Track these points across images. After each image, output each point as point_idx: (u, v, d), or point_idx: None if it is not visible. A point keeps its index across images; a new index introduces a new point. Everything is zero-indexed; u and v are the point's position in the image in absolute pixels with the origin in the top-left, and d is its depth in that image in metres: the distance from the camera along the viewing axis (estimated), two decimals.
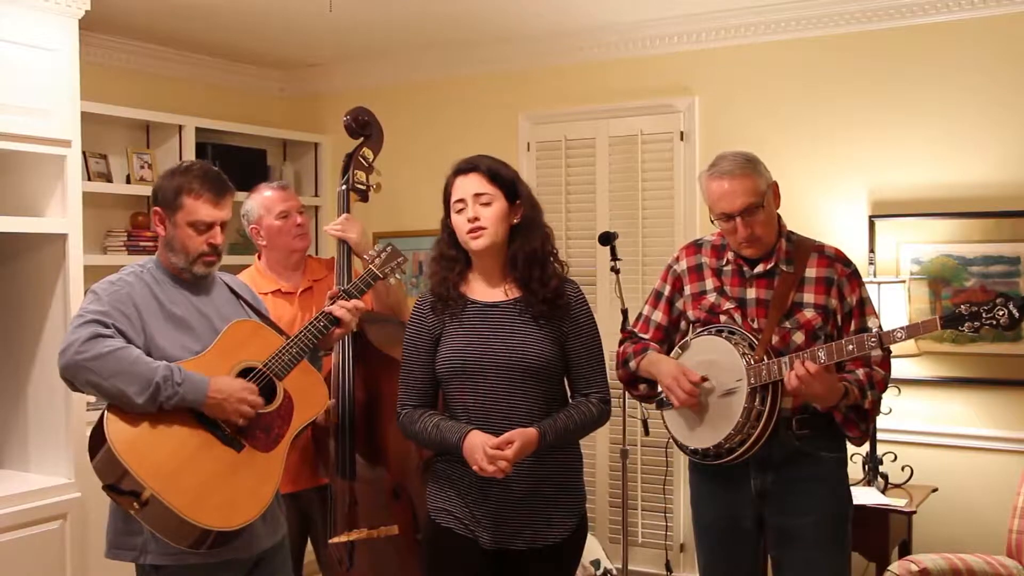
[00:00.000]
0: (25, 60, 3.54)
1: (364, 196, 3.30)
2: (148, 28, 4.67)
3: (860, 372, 2.68)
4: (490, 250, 2.59)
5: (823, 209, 4.25)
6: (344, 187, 3.25)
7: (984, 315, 2.43)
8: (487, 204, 2.56)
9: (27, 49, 3.55)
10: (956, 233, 4.02)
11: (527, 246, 2.59)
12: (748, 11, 4.34)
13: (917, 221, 4.10)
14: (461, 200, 2.58)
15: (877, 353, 2.66)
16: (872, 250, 4.16)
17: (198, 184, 2.56)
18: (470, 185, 2.58)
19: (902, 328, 2.52)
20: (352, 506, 3.08)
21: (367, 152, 3.31)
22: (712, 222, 2.79)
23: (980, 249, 3.97)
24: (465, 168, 2.61)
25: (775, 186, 2.77)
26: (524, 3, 4.32)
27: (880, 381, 2.71)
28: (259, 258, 3.37)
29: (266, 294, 3.25)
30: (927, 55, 4.09)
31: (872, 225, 4.18)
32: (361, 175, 3.28)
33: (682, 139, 4.61)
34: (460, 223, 2.58)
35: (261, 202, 3.31)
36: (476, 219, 2.55)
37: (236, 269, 3.24)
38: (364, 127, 3.30)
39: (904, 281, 4.05)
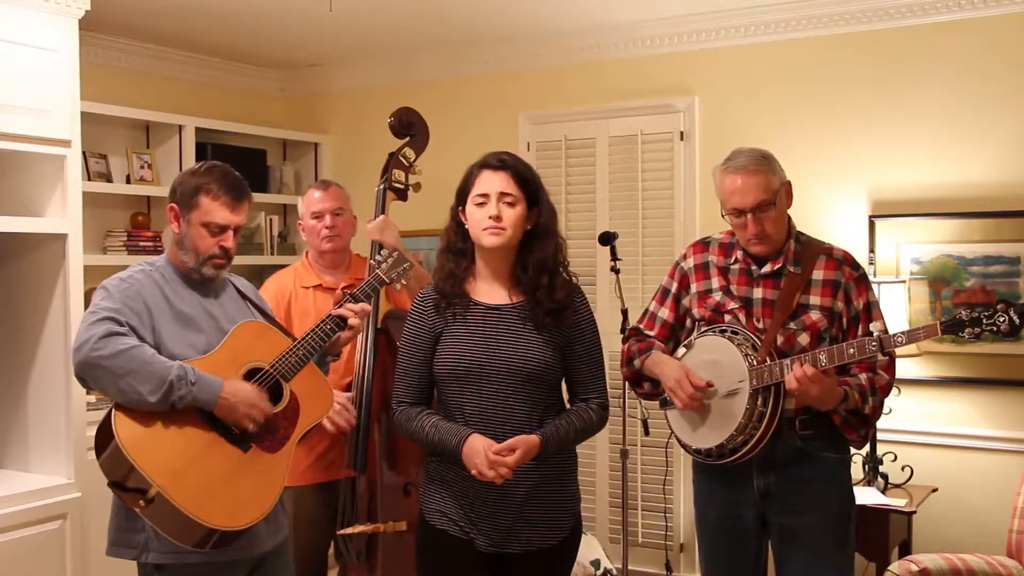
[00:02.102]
0: (25, 60, 3.54)
1: (402, 195, 3.34)
2: (148, 28, 4.67)
3: (863, 377, 2.67)
4: (501, 251, 2.56)
5: (823, 209, 4.25)
6: (382, 186, 3.28)
7: (985, 321, 2.43)
8: (511, 205, 2.52)
9: (27, 49, 3.55)
10: (956, 233, 4.03)
11: (538, 253, 2.56)
12: (748, 11, 4.34)
13: (917, 221, 4.10)
14: (484, 195, 2.53)
15: (883, 359, 2.65)
16: (872, 250, 4.16)
17: (217, 186, 2.55)
18: (498, 182, 2.53)
19: (903, 333, 2.51)
20: (362, 500, 3.10)
21: (408, 152, 3.35)
22: (723, 216, 2.78)
23: (980, 249, 3.98)
24: (495, 164, 2.56)
25: (788, 185, 2.77)
26: (524, 3, 4.32)
27: (883, 386, 2.70)
28: (306, 254, 3.43)
29: (308, 288, 3.30)
30: (927, 55, 4.09)
31: (872, 225, 4.19)
32: (400, 174, 3.31)
33: (682, 139, 4.61)
34: (478, 217, 2.53)
35: (304, 200, 3.40)
36: (498, 217, 2.50)
37: (237, 269, 3.24)
38: (408, 127, 3.34)
39: (904, 281, 4.05)
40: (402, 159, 3.32)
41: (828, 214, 4.25)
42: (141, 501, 2.31)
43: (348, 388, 3.18)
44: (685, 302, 2.89)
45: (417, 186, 3.35)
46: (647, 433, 3.58)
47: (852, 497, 2.81)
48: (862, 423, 2.70)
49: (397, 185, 3.30)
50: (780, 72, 4.39)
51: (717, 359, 2.71)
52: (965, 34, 4.02)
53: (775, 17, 4.33)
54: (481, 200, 2.53)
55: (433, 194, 5.10)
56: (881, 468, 3.95)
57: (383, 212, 3.28)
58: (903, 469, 3.99)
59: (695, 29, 4.52)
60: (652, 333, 2.93)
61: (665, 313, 2.93)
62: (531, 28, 4.73)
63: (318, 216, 3.32)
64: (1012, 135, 3.94)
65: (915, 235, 4.11)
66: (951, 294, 4.03)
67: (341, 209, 3.36)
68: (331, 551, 3.43)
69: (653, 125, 4.68)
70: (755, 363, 2.64)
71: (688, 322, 2.90)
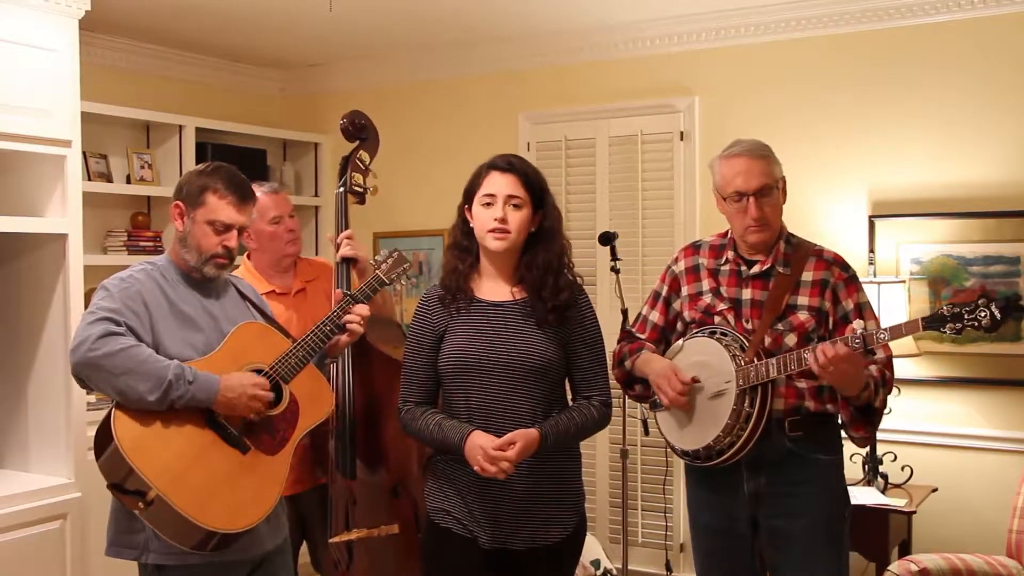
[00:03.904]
0: (25, 60, 3.54)
1: (361, 199, 3.30)
2: (148, 28, 4.67)
3: (873, 368, 2.63)
4: (506, 251, 2.58)
5: (823, 209, 4.25)
6: (341, 189, 3.24)
7: (966, 316, 2.39)
8: (517, 207, 2.55)
9: (27, 49, 3.55)
10: (956, 233, 4.02)
11: (544, 254, 2.58)
12: (748, 11, 4.34)
13: (917, 221, 4.10)
14: (492, 195, 2.55)
15: (881, 356, 2.63)
16: (872, 250, 4.16)
17: (224, 186, 2.57)
18: (506, 184, 2.55)
19: (885, 329, 2.49)
20: (352, 506, 3.08)
21: (364, 155, 3.30)
22: (723, 199, 2.73)
23: (980, 249, 3.98)
24: (503, 167, 2.58)
25: (784, 181, 2.76)
26: (524, 3, 4.32)
27: (889, 380, 2.67)
28: (248, 258, 3.37)
29: (262, 295, 3.26)
30: (927, 55, 4.09)
31: (872, 225, 4.19)
32: (358, 178, 3.27)
33: (682, 139, 4.61)
34: (484, 219, 2.56)
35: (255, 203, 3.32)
36: (504, 220, 2.53)
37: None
38: (361, 130, 3.30)
39: (904, 281, 4.05)
40: (359, 162, 3.28)
41: (828, 214, 4.25)
42: (140, 503, 2.31)
43: None
44: (676, 305, 2.89)
45: (375, 189, 3.31)
46: (647, 433, 3.58)
47: (845, 498, 2.79)
48: (869, 420, 2.65)
49: (357, 189, 3.26)
50: (780, 72, 4.39)
51: (705, 360, 2.70)
52: (965, 34, 4.02)
53: (775, 17, 4.33)
54: (488, 201, 2.56)
55: (434, 194, 5.13)
56: (881, 468, 3.95)
57: (345, 216, 3.23)
58: (903, 469, 3.99)
59: (695, 29, 4.52)
60: (643, 336, 2.92)
61: (655, 316, 2.92)
62: (531, 28, 4.73)
63: (278, 221, 3.28)
64: (1012, 135, 3.94)
65: (915, 235, 4.11)
66: (951, 294, 4.03)
67: (293, 211, 3.36)
68: (302, 563, 3.42)
69: (653, 125, 4.68)
70: (742, 363, 2.62)
71: (679, 325, 2.88)
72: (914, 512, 3.74)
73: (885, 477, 3.92)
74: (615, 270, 3.65)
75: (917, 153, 4.11)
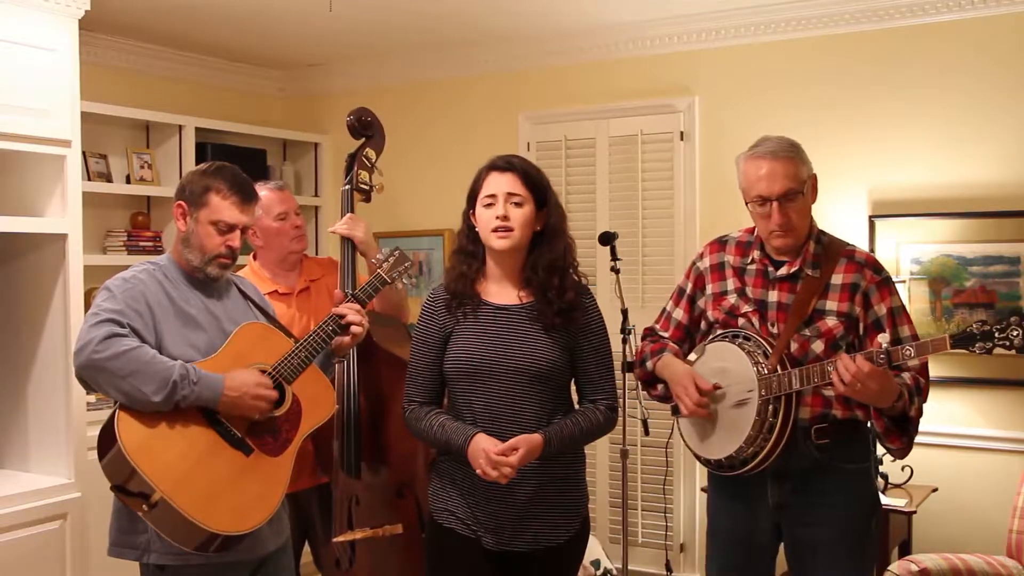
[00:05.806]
0: (25, 60, 3.54)
1: (367, 196, 3.29)
2: (148, 28, 4.67)
3: (907, 376, 2.53)
4: (511, 252, 2.57)
5: (823, 209, 4.20)
6: (348, 187, 3.24)
7: (997, 335, 2.30)
8: (518, 205, 2.54)
9: (27, 49, 3.55)
10: (956, 233, 4.03)
11: (549, 254, 2.58)
12: (748, 11, 4.34)
13: (917, 221, 4.10)
14: (492, 196, 2.55)
15: (914, 362, 2.51)
16: (872, 250, 4.16)
17: (227, 186, 2.57)
18: (505, 183, 2.55)
19: (911, 346, 2.41)
20: (355, 505, 3.08)
21: (370, 152, 3.30)
22: (746, 204, 2.67)
23: (980, 249, 3.98)
24: (502, 166, 2.58)
25: (814, 178, 2.66)
26: (524, 3, 4.32)
27: (924, 388, 2.57)
28: (254, 258, 3.37)
29: (265, 295, 3.25)
30: (927, 55, 4.09)
31: (872, 225, 4.19)
32: (364, 175, 3.27)
33: (682, 139, 4.61)
34: (487, 219, 2.55)
35: (258, 202, 3.31)
36: (506, 217, 2.52)
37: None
38: (367, 127, 3.29)
39: (904, 281, 4.05)
40: (365, 159, 3.28)
41: (828, 214, 4.23)
42: (144, 506, 2.31)
43: None
44: (700, 303, 2.80)
45: (381, 187, 3.31)
46: (647, 433, 3.58)
47: (873, 509, 2.69)
48: (904, 431, 2.55)
49: (363, 186, 3.25)
50: (780, 72, 4.39)
51: (727, 367, 2.62)
52: (965, 34, 4.02)
53: (775, 17, 4.33)
54: (489, 201, 2.56)
55: (434, 194, 5.13)
56: (881, 468, 3.95)
57: (351, 212, 3.24)
58: (903, 469, 3.98)
59: (695, 29, 4.52)
60: (666, 334, 2.85)
61: (680, 314, 2.84)
62: (532, 28, 4.73)
63: (283, 217, 3.28)
64: (1012, 135, 3.94)
65: (915, 235, 4.11)
66: (951, 294, 4.03)
67: (299, 209, 3.36)
68: (304, 563, 3.42)
69: (653, 125, 4.67)
70: (765, 372, 2.54)
71: (703, 324, 2.80)
72: (914, 512, 3.74)
73: (885, 477, 3.92)
74: (615, 270, 3.64)
75: (917, 153, 4.11)
